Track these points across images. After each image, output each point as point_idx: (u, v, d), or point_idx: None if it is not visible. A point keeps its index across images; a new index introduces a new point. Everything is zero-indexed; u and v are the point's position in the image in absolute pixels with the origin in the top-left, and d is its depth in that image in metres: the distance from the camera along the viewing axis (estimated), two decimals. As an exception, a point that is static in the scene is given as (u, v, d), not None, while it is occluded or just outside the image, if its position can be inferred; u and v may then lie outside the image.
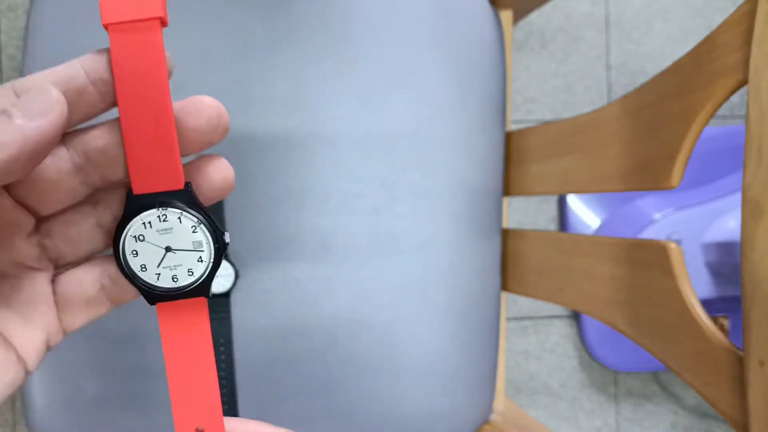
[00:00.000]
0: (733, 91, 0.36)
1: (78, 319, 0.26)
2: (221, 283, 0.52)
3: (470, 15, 0.57)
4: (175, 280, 0.25)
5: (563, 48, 1.09)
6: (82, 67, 0.23)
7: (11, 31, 0.99)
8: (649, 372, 1.12)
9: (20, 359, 0.24)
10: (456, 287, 0.55)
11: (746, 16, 0.34)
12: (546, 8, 1.09)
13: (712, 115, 0.37)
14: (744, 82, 0.34)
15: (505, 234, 0.60)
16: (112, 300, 0.27)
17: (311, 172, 0.53)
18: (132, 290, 0.27)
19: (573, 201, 1.06)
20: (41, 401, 0.52)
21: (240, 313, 0.53)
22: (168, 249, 0.25)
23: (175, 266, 0.25)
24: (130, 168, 0.24)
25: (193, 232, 0.25)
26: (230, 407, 0.52)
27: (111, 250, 0.25)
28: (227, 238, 0.26)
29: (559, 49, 1.09)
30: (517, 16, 0.62)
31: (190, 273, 0.25)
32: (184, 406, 0.27)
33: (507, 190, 0.60)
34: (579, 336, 1.10)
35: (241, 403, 0.53)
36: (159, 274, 0.25)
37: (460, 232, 0.55)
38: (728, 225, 0.95)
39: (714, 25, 0.36)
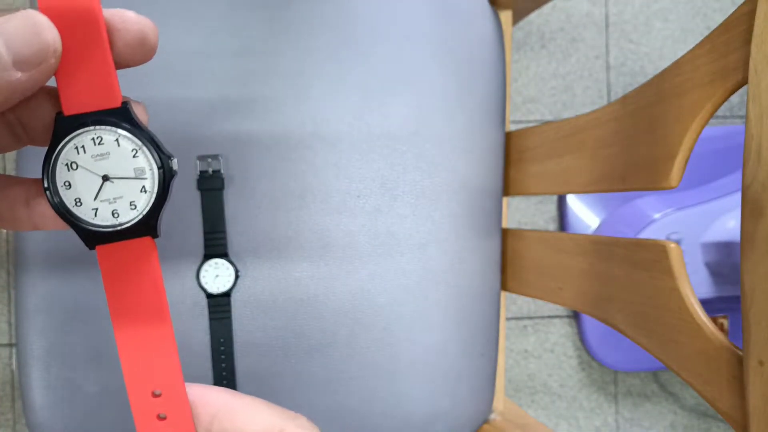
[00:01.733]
0: (733, 92, 0.36)
1: (3, 215, 0.23)
2: (222, 283, 0.52)
3: (470, 15, 0.57)
4: (116, 215, 0.22)
5: (563, 48, 1.09)
6: None
7: (11, 31, 0.99)
8: (649, 372, 1.12)
9: None
10: (456, 287, 0.55)
11: (746, 16, 0.34)
12: (545, 8, 1.09)
13: (711, 115, 0.37)
14: (743, 82, 0.34)
15: (505, 234, 0.60)
16: (32, 225, 0.23)
17: (312, 172, 0.53)
18: (12, 221, 0.23)
19: (573, 201, 1.06)
20: (41, 401, 0.52)
21: (240, 313, 0.53)
22: (105, 178, 0.21)
23: (114, 198, 0.21)
24: (59, 85, 0.21)
25: (134, 156, 0.21)
26: (230, 407, 0.52)
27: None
28: (175, 164, 0.22)
29: (558, 49, 1.09)
30: (517, 17, 0.62)
31: (133, 206, 0.22)
32: (137, 368, 0.23)
33: (507, 190, 0.60)
34: (578, 336, 1.10)
35: (242, 402, 0.53)
36: (96, 209, 0.22)
37: (460, 232, 0.55)
38: (728, 225, 0.95)
39: (713, 25, 0.36)
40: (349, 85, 0.53)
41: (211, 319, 0.52)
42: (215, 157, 0.51)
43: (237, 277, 0.52)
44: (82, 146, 0.21)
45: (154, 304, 0.23)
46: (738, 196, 0.34)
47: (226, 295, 0.52)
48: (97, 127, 0.21)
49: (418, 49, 0.55)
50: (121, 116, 0.21)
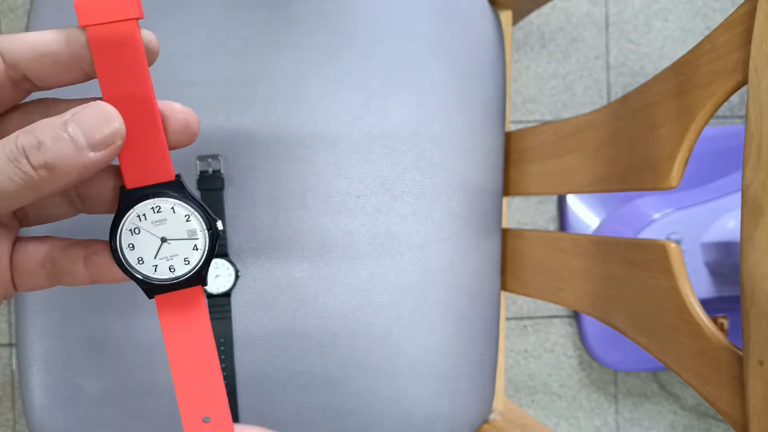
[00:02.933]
0: (733, 92, 0.36)
1: (24, 283, 0.27)
2: (222, 283, 0.52)
3: (470, 15, 0.57)
4: (172, 270, 0.26)
5: (563, 48, 1.09)
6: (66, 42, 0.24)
7: (12, 31, 0.99)
8: (649, 371, 1.12)
9: None
10: (456, 287, 0.55)
11: (746, 17, 0.34)
12: (545, 8, 1.09)
13: (711, 116, 0.38)
14: (744, 83, 0.34)
15: (505, 234, 0.60)
16: (51, 279, 0.27)
17: (312, 172, 0.53)
18: (72, 274, 0.27)
19: (573, 201, 1.06)
20: (41, 401, 0.52)
21: (240, 313, 0.53)
22: (164, 240, 0.25)
23: (171, 257, 0.25)
24: (122, 163, 0.25)
25: (187, 220, 0.25)
26: (231, 406, 0.52)
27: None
28: (220, 225, 0.26)
29: (558, 49, 1.09)
30: (517, 17, 0.62)
31: (187, 262, 0.26)
32: (190, 397, 0.27)
33: (507, 190, 0.60)
34: (578, 336, 1.10)
35: (242, 402, 0.53)
36: (156, 265, 0.25)
37: (460, 232, 0.55)
38: (728, 225, 0.95)
39: (713, 25, 0.36)
40: (349, 85, 0.53)
41: (211, 319, 0.52)
42: (215, 157, 0.51)
43: (237, 276, 0.52)
44: (143, 214, 0.25)
45: (205, 343, 0.27)
46: (738, 196, 0.34)
47: (226, 294, 0.52)
48: (156, 198, 0.25)
49: (418, 49, 0.55)
50: (176, 188, 0.25)
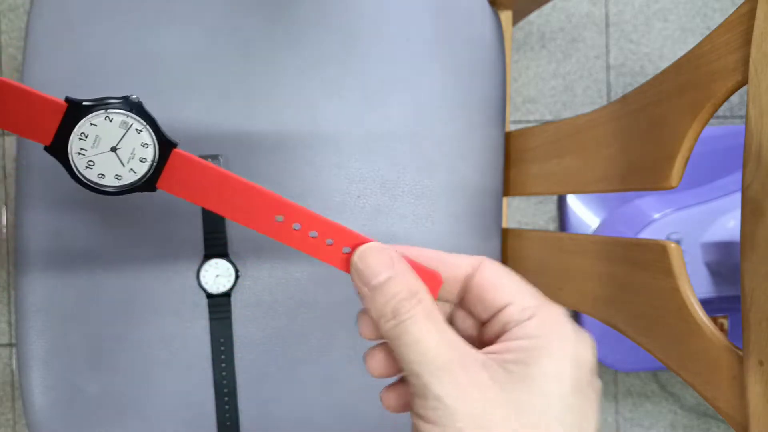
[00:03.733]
0: (733, 92, 0.36)
1: None
2: (222, 283, 0.52)
3: (470, 15, 0.57)
4: (143, 161, 0.26)
5: (563, 48, 1.09)
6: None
7: (12, 31, 0.99)
8: (649, 371, 1.12)
9: None
10: (456, 287, 0.55)
11: (746, 16, 0.34)
12: (545, 9, 1.09)
13: (711, 116, 0.38)
14: (744, 83, 0.34)
15: (505, 234, 0.60)
16: None
17: (312, 172, 0.53)
18: None
19: (573, 201, 1.06)
20: (41, 401, 0.52)
21: (240, 313, 0.53)
22: (113, 149, 0.26)
23: (133, 153, 0.26)
24: (21, 134, 0.26)
25: (110, 121, 0.26)
26: (231, 406, 0.53)
27: None
28: (135, 97, 0.26)
29: (558, 49, 1.09)
30: (517, 17, 0.62)
31: (145, 145, 0.26)
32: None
33: (507, 190, 0.60)
34: (578, 336, 1.10)
35: (242, 401, 0.53)
36: (131, 168, 0.26)
37: (460, 232, 0.55)
38: (728, 225, 0.95)
39: (713, 25, 0.36)
40: (349, 85, 0.53)
41: (211, 319, 0.52)
42: (215, 157, 0.51)
43: (237, 277, 0.52)
44: (79, 149, 0.26)
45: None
46: (738, 196, 0.34)
47: (227, 295, 0.52)
48: (77, 127, 0.25)
49: (418, 49, 0.55)
50: (75, 110, 0.25)
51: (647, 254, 0.42)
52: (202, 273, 0.51)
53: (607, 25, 1.10)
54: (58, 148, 0.25)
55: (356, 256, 0.29)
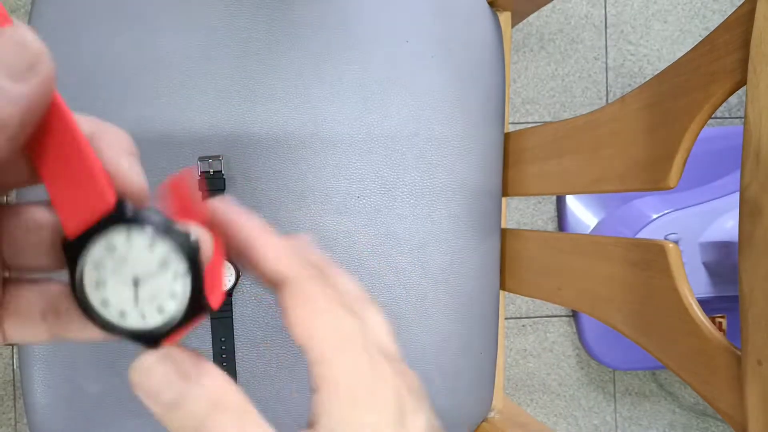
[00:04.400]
0: (732, 92, 0.36)
1: (14, 333, 0.22)
2: (222, 282, 0.52)
3: (469, 17, 0.57)
4: (161, 311, 0.20)
5: (562, 49, 1.10)
6: None
7: (11, 31, 0.99)
8: (647, 371, 1.12)
9: None
10: (455, 287, 0.56)
11: (745, 18, 0.34)
12: (544, 10, 1.09)
13: (710, 116, 0.38)
14: (742, 83, 0.35)
15: (504, 234, 0.60)
16: (51, 333, 0.23)
17: (312, 173, 0.53)
18: (75, 329, 0.22)
19: (572, 201, 1.06)
20: (42, 401, 0.52)
21: (241, 312, 0.53)
22: (136, 282, 0.20)
23: (153, 296, 0.20)
24: (57, 210, 0.20)
25: (151, 248, 0.20)
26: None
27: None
28: (194, 235, 0.20)
29: (557, 50, 1.10)
30: (516, 18, 0.62)
31: (174, 296, 0.20)
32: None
33: (506, 190, 0.60)
34: (577, 335, 1.10)
35: (242, 402, 0.53)
36: (142, 312, 0.20)
37: (459, 232, 0.56)
38: (726, 225, 0.95)
39: (712, 27, 0.36)
40: (348, 86, 0.54)
41: (211, 318, 0.52)
42: (216, 158, 0.52)
43: (238, 276, 0.52)
44: (99, 261, 0.20)
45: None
46: (736, 197, 0.34)
47: (227, 294, 0.52)
48: (104, 237, 0.20)
49: (417, 50, 0.55)
50: (122, 214, 0.19)
51: (646, 254, 0.42)
52: (203, 273, 0.52)
53: (605, 27, 1.10)
54: (76, 249, 0.20)
55: (131, 371, 0.21)
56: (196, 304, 0.21)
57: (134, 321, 0.20)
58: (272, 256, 0.25)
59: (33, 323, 0.23)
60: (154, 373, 0.21)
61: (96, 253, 0.20)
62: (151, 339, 0.21)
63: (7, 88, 0.18)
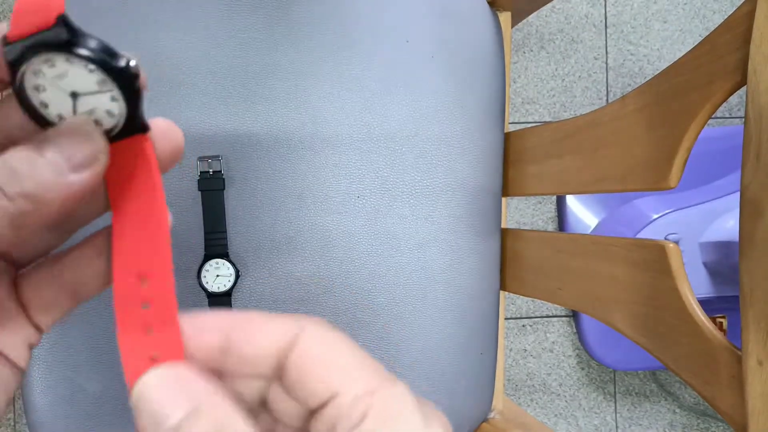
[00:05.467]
0: (732, 92, 0.36)
1: (46, 319, 0.24)
2: (222, 283, 0.52)
3: (469, 17, 0.57)
4: (99, 124, 0.21)
5: (562, 49, 1.10)
6: None
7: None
8: (648, 371, 1.12)
9: (10, 363, 0.23)
10: (455, 287, 0.56)
11: (745, 18, 0.34)
12: (544, 10, 1.09)
13: (710, 116, 0.38)
14: (742, 83, 0.35)
15: (504, 234, 0.60)
16: (73, 297, 0.24)
17: (312, 173, 0.53)
18: (92, 283, 0.23)
19: (572, 201, 1.06)
20: (42, 401, 0.52)
21: (241, 313, 0.53)
22: (74, 95, 0.21)
23: (91, 111, 0.21)
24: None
25: (90, 71, 0.20)
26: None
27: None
28: (132, 63, 0.21)
29: (557, 50, 1.10)
30: (516, 18, 0.62)
31: (111, 114, 0.21)
32: (126, 251, 0.22)
33: (506, 190, 0.60)
34: (577, 335, 1.10)
35: (242, 402, 0.53)
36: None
37: (459, 232, 0.56)
38: (726, 225, 0.95)
39: (712, 27, 0.36)
40: (348, 86, 0.54)
41: (211, 319, 0.52)
42: (215, 157, 0.52)
43: (237, 276, 0.52)
44: (39, 70, 0.20)
45: (149, 193, 0.22)
46: (736, 197, 0.34)
47: (227, 294, 0.52)
48: (44, 52, 0.20)
49: (417, 50, 0.55)
50: (60, 34, 0.20)
51: (646, 254, 0.42)
52: (203, 273, 0.52)
53: (605, 27, 1.10)
54: (15, 53, 0.20)
55: (134, 394, 0.21)
56: (133, 123, 0.22)
57: None
58: (266, 325, 0.23)
59: (60, 307, 0.24)
60: (158, 395, 0.21)
61: (35, 62, 0.20)
62: None
63: (64, 176, 0.20)
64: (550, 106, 1.09)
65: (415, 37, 0.55)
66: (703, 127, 0.38)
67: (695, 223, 0.96)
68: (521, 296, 1.02)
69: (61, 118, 0.21)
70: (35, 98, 0.21)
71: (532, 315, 1.10)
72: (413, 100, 0.54)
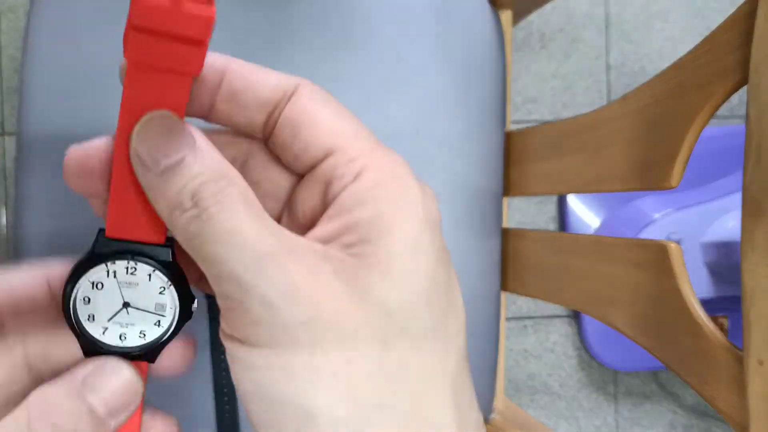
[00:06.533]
0: (733, 92, 0.36)
1: None
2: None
3: (470, 15, 0.57)
4: (123, 338, 0.22)
5: (563, 48, 1.10)
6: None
7: (12, 31, 0.99)
8: (648, 371, 1.12)
9: None
10: (456, 287, 0.55)
11: (746, 16, 0.34)
12: (546, 9, 1.09)
13: (711, 116, 0.38)
14: (743, 83, 0.34)
15: (505, 234, 0.60)
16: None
17: (312, 172, 0.53)
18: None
19: (573, 201, 1.06)
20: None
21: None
22: (126, 305, 0.22)
23: (127, 324, 0.22)
24: (110, 206, 0.21)
25: (160, 293, 0.22)
26: (230, 405, 0.53)
27: None
28: (195, 306, 0.22)
29: (558, 49, 1.09)
30: (517, 17, 0.62)
31: (142, 335, 0.22)
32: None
33: (507, 190, 0.60)
34: (578, 335, 1.10)
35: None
36: (107, 328, 0.22)
37: (460, 233, 0.55)
38: (728, 225, 0.95)
39: (713, 26, 0.36)
40: (348, 86, 0.53)
41: (210, 319, 0.52)
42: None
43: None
44: (114, 271, 0.21)
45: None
46: (738, 196, 0.34)
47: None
48: (136, 259, 0.21)
49: (417, 49, 0.55)
50: (162, 254, 0.22)
51: (647, 254, 0.42)
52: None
53: (607, 26, 1.10)
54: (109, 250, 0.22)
55: (135, 133, 0.20)
56: (150, 354, 0.23)
57: (94, 329, 0.22)
58: (264, 76, 0.23)
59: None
60: (154, 137, 0.20)
61: (119, 264, 0.22)
62: (92, 349, 0.22)
63: (104, 421, 0.20)
64: (551, 106, 1.09)
65: (415, 36, 0.55)
66: (704, 126, 0.38)
67: (697, 223, 0.96)
68: (523, 296, 1.02)
69: (90, 318, 0.22)
70: (83, 290, 0.22)
71: (533, 315, 1.10)
72: (413, 99, 0.54)
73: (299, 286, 0.19)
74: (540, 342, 1.11)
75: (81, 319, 0.22)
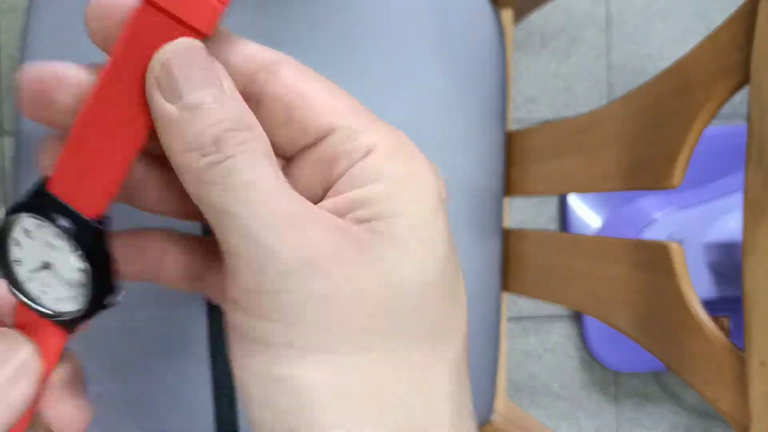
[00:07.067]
0: (734, 91, 0.36)
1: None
2: (221, 283, 0.52)
3: (470, 15, 0.57)
4: (43, 295, 0.22)
5: (564, 48, 1.09)
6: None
7: (11, 31, 0.99)
8: (650, 372, 1.12)
9: None
10: (456, 287, 0.55)
11: (747, 16, 0.34)
12: (546, 8, 1.09)
13: (713, 115, 0.37)
14: (745, 82, 0.34)
15: (506, 234, 0.60)
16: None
17: (311, 172, 0.53)
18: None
19: (574, 201, 1.06)
20: (41, 401, 0.52)
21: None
22: (46, 266, 0.21)
23: (47, 284, 0.21)
24: (62, 155, 0.20)
25: (79, 271, 0.21)
26: (230, 407, 0.52)
27: None
28: (116, 299, 0.22)
29: (559, 48, 1.09)
30: (518, 16, 0.62)
31: (58, 303, 0.21)
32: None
33: (507, 190, 0.60)
34: (580, 336, 1.10)
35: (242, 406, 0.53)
36: (29, 279, 0.21)
37: (460, 232, 0.55)
38: (729, 225, 0.95)
39: (714, 26, 0.36)
40: (348, 85, 0.53)
41: (209, 317, 0.52)
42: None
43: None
44: (44, 226, 0.20)
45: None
46: (739, 196, 0.34)
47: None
48: (60, 227, 0.20)
49: (418, 48, 0.54)
50: (91, 233, 0.20)
51: (649, 254, 0.42)
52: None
53: (608, 25, 1.10)
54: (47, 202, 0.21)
55: (160, 58, 0.18)
56: (62, 323, 0.22)
57: (20, 273, 0.21)
58: (243, 47, 0.20)
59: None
60: (190, 68, 0.18)
61: (49, 223, 0.20)
62: (13, 284, 0.22)
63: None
64: (552, 105, 1.09)
65: (415, 35, 0.54)
66: (706, 125, 0.38)
67: (698, 223, 0.96)
68: (523, 296, 1.02)
69: (18, 262, 0.21)
70: (16, 234, 0.21)
71: (534, 315, 1.10)
72: (413, 99, 0.54)
73: (321, 257, 0.18)
74: (541, 342, 1.10)
75: (10, 258, 0.21)
